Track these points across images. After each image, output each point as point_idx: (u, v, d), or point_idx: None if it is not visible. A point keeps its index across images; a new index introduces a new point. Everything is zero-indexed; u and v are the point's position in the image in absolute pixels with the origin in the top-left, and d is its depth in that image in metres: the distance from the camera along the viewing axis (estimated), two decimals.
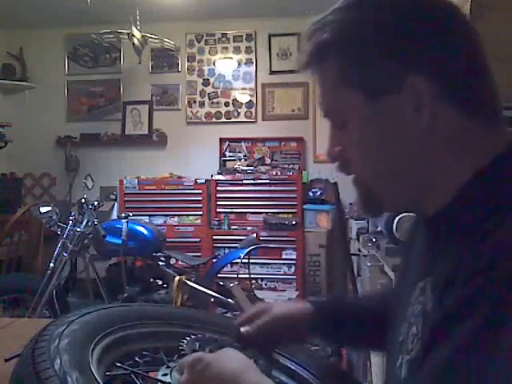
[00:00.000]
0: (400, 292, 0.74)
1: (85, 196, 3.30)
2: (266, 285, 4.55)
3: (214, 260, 3.97)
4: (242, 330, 0.90)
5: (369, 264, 2.65)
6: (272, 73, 5.03)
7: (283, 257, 4.56)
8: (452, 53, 0.61)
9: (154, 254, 3.68)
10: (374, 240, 2.59)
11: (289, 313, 0.92)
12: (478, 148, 0.61)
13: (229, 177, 4.75)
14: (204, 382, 0.70)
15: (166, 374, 0.83)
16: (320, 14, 0.69)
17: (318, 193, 4.79)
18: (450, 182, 0.61)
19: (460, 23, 0.63)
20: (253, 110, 5.06)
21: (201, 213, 4.72)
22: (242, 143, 5.06)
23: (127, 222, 3.46)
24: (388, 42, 0.61)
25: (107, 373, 0.81)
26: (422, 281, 0.62)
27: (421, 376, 0.53)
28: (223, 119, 5.10)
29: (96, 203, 3.24)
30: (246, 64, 5.08)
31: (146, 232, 3.64)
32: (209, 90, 5.13)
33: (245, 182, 4.70)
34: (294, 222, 4.51)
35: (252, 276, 3.90)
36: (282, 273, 4.56)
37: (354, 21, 0.63)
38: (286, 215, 4.62)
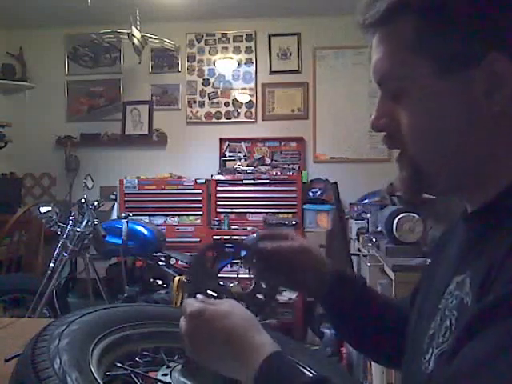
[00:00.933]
0: (428, 288, 0.71)
1: (85, 196, 3.30)
2: None
3: None
4: (261, 245, 0.85)
5: (369, 264, 2.65)
6: (272, 73, 5.03)
7: None
8: None
9: (154, 254, 3.68)
10: (374, 240, 2.59)
11: (320, 254, 0.88)
12: None
13: (229, 177, 4.75)
14: (204, 335, 0.66)
15: (166, 374, 0.83)
16: None
17: (318, 193, 4.79)
18: (506, 172, 0.57)
19: None
20: (253, 110, 5.06)
21: (201, 213, 4.72)
22: (242, 143, 5.06)
23: (127, 222, 3.46)
24: (475, 10, 0.55)
25: (107, 373, 0.81)
26: (460, 275, 0.58)
27: (453, 370, 0.49)
28: (223, 119, 5.10)
29: (96, 203, 3.24)
30: (246, 64, 5.07)
31: (146, 232, 3.64)
32: (209, 90, 5.13)
33: (245, 181, 4.69)
34: (294, 222, 4.51)
35: (252, 276, 3.88)
36: None
37: None
38: (286, 215, 4.62)
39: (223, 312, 0.67)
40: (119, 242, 3.39)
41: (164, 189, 4.75)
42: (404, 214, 2.10)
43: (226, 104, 5.09)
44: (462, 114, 0.58)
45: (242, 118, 5.07)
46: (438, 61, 0.57)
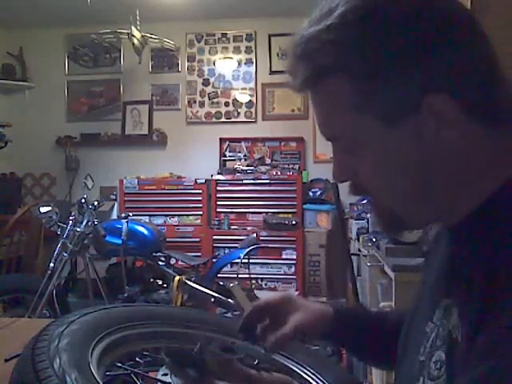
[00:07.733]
0: (418, 304, 0.70)
1: (85, 196, 3.29)
2: (265, 285, 4.55)
3: (214, 260, 3.97)
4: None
5: (369, 264, 2.65)
6: (272, 73, 5.03)
7: (283, 257, 4.56)
8: (471, 65, 0.56)
9: (154, 254, 3.68)
10: (373, 240, 2.59)
11: (306, 303, 0.86)
12: (505, 159, 0.58)
13: (229, 177, 4.75)
14: None
15: (166, 374, 0.83)
16: (307, 27, 0.61)
17: (318, 193, 4.79)
18: (476, 195, 0.58)
19: (477, 32, 0.58)
20: (253, 109, 5.06)
21: (201, 213, 4.72)
22: (242, 143, 5.06)
23: (127, 221, 3.46)
24: (402, 60, 0.55)
25: (107, 373, 0.81)
26: (445, 299, 0.59)
27: None
28: (223, 119, 5.10)
29: (96, 203, 3.24)
30: (245, 64, 5.08)
31: (146, 232, 3.64)
32: (209, 90, 5.13)
33: (245, 182, 4.70)
34: (293, 222, 4.51)
35: (252, 276, 3.89)
36: (282, 273, 4.56)
37: (362, 40, 0.56)
38: (285, 215, 4.62)
39: None
40: (119, 241, 3.39)
41: (164, 189, 4.76)
42: None
43: (226, 104, 5.09)
44: (417, 157, 0.58)
45: (242, 118, 5.07)
46: (382, 114, 0.58)
